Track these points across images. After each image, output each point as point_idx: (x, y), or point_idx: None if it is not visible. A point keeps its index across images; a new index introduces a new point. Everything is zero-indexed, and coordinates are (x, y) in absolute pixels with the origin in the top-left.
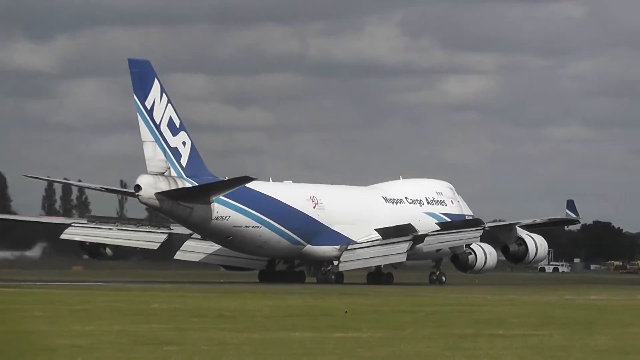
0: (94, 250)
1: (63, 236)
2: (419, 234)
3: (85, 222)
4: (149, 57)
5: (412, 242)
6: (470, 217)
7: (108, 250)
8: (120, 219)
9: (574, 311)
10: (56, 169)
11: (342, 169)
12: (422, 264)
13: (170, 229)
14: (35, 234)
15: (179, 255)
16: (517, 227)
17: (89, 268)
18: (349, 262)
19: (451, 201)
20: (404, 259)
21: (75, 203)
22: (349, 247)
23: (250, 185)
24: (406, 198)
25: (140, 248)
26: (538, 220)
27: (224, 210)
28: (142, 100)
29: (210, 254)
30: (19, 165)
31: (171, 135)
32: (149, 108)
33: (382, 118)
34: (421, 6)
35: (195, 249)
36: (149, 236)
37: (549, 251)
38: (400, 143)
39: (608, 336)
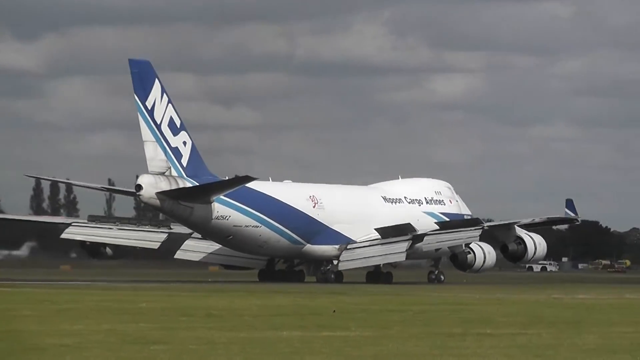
0: (94, 249)
1: (63, 236)
2: (418, 233)
3: (86, 221)
4: (135, 55)
5: (411, 242)
6: (469, 217)
7: (108, 250)
8: (121, 219)
9: (562, 310)
10: (43, 168)
11: (331, 168)
12: (421, 263)
13: (171, 229)
14: (23, 234)
15: (179, 255)
16: (515, 226)
17: (77, 267)
18: (348, 262)
19: (450, 201)
20: (404, 259)
21: (63, 202)
22: (348, 247)
23: (251, 185)
24: (405, 198)
25: (140, 247)
26: (537, 220)
27: (224, 209)
28: (143, 100)
29: (210, 253)
30: (6, 164)
31: (172, 135)
32: (149, 108)
33: (370, 117)
34: (409, 5)
35: (195, 249)
36: (149, 235)
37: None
38: (388, 142)
39: (596, 335)
